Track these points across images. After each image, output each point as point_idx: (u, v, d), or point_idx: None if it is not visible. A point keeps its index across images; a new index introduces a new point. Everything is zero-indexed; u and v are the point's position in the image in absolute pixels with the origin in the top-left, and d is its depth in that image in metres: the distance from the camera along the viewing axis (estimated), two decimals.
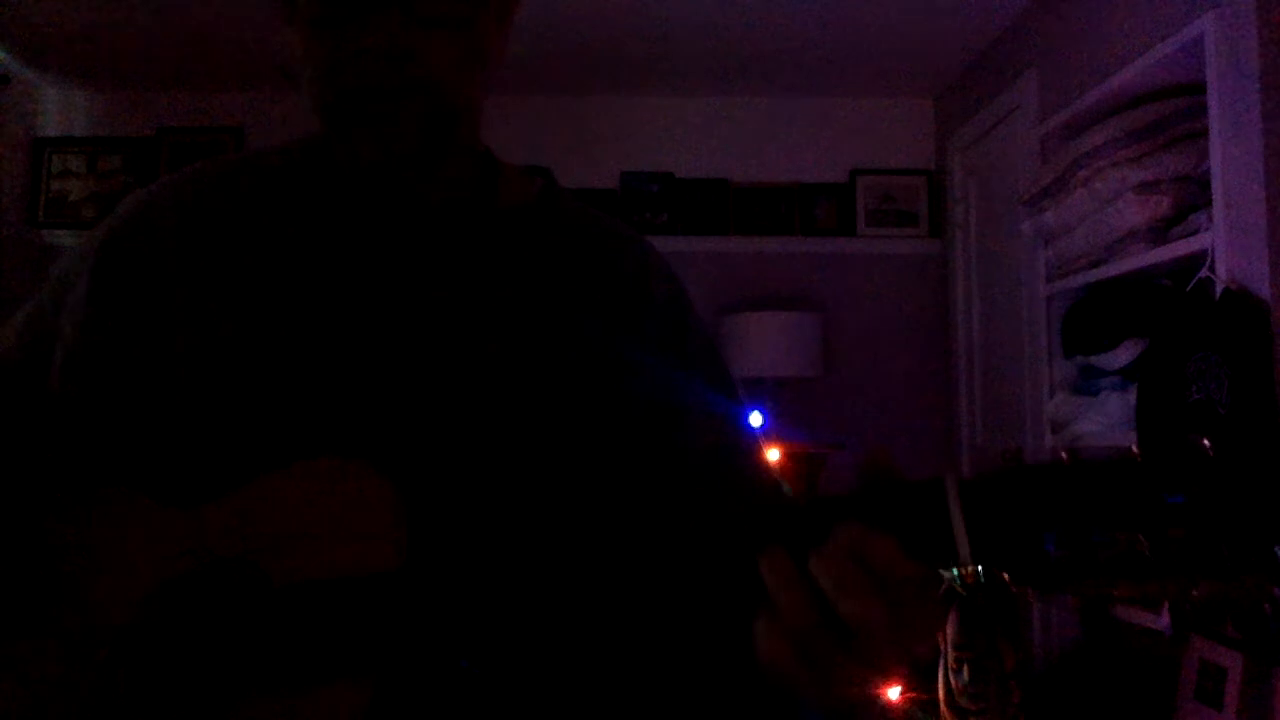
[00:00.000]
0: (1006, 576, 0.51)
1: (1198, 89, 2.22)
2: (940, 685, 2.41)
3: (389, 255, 0.76)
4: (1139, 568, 0.48)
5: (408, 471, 0.68)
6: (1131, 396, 2.36)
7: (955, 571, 0.51)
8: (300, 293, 0.74)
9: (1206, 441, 0.49)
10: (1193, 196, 2.28)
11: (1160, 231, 2.35)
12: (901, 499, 0.54)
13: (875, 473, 0.55)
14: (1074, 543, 0.49)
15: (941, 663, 2.40)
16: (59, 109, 3.95)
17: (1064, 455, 0.52)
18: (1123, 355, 2.45)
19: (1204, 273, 2.11)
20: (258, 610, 0.65)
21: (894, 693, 2.49)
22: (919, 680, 2.47)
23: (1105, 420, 2.52)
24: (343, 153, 0.77)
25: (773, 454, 3.02)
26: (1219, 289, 2.05)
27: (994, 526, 0.51)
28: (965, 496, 0.52)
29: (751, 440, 0.85)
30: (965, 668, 2.35)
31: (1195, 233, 2.20)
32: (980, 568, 0.51)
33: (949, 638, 2.36)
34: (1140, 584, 0.48)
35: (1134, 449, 0.50)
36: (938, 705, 2.42)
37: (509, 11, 0.79)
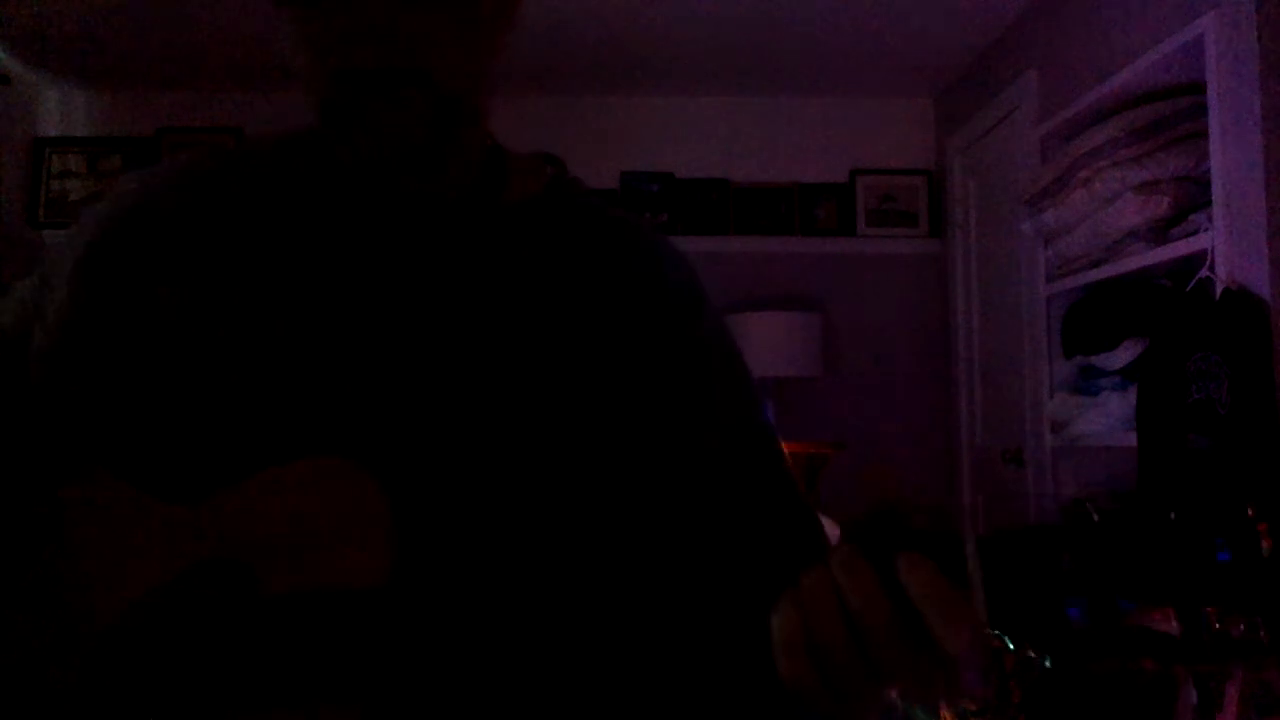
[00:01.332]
0: (1027, 648, 0.48)
1: (1198, 89, 2.22)
2: None
3: (392, 253, 0.75)
4: (1169, 649, 0.45)
5: (406, 474, 0.67)
6: (1131, 396, 2.36)
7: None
8: (299, 291, 0.73)
9: (1250, 509, 0.46)
10: (1193, 196, 2.28)
11: (1160, 231, 2.34)
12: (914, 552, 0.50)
13: (884, 511, 0.53)
14: (1100, 615, 0.46)
15: None
16: (59, 109, 3.95)
17: (1093, 514, 0.49)
18: (1123, 355, 2.45)
19: (1204, 273, 2.11)
20: (246, 620, 0.64)
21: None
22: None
23: (1105, 420, 2.52)
24: (341, 147, 0.76)
25: None
26: (1219, 289, 2.05)
27: (1014, 592, 0.48)
28: (985, 557, 0.50)
29: (767, 435, 0.83)
30: None
31: (1195, 233, 2.20)
32: (998, 634, 0.48)
33: None
34: (1167, 665, 0.46)
35: (1171, 514, 0.47)
36: (937, 705, 2.41)
37: (512, 6, 0.77)
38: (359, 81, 0.69)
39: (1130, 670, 0.46)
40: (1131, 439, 2.29)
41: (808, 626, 0.51)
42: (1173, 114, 2.32)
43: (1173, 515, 0.47)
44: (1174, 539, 0.46)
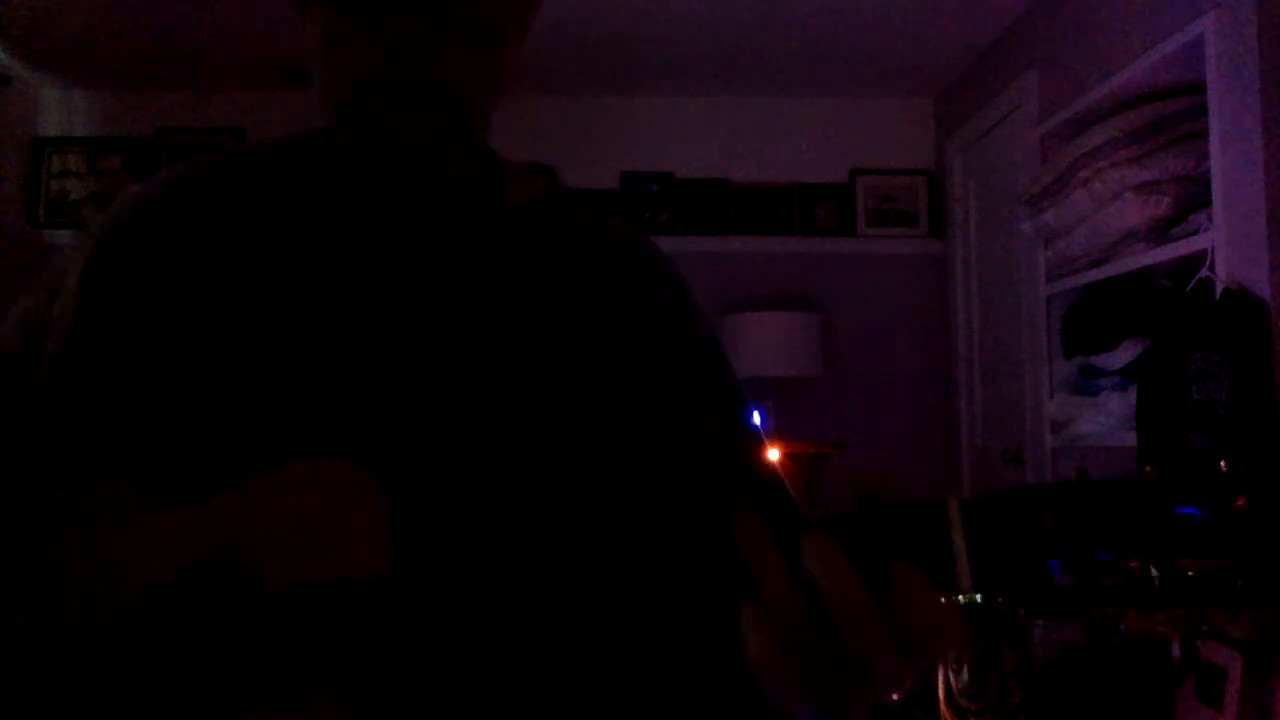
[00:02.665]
0: (1002, 602, 0.48)
1: (1198, 89, 2.22)
2: (940, 685, 2.41)
3: (392, 255, 0.76)
4: (1148, 596, 0.45)
5: (405, 473, 0.67)
6: (1131, 396, 2.36)
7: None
8: (300, 292, 0.74)
9: (1223, 462, 0.46)
10: (1193, 196, 2.28)
11: (1160, 231, 2.35)
12: (900, 521, 0.51)
13: (870, 493, 0.52)
14: (1081, 569, 0.46)
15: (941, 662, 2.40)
16: (59, 109, 3.95)
17: (1073, 475, 0.50)
18: (1123, 355, 2.45)
19: (1204, 273, 2.11)
20: (246, 617, 0.64)
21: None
22: (918, 679, 2.47)
23: (1105, 420, 2.52)
24: (349, 150, 0.77)
25: (773, 454, 3.01)
26: (1219, 289, 2.05)
27: (997, 551, 0.48)
28: (968, 519, 0.49)
29: (756, 439, 0.84)
30: (965, 668, 2.35)
31: (1195, 233, 2.20)
32: (981, 596, 0.48)
33: None
34: (1149, 613, 0.46)
35: (1147, 468, 0.48)
36: (937, 705, 2.42)
37: (526, 26, 0.79)
38: (380, 90, 0.70)
39: (1113, 618, 0.46)
40: (1131, 439, 2.29)
41: (782, 635, 0.51)
42: (1172, 114, 2.32)
43: (1147, 470, 0.47)
44: (1149, 494, 0.46)
